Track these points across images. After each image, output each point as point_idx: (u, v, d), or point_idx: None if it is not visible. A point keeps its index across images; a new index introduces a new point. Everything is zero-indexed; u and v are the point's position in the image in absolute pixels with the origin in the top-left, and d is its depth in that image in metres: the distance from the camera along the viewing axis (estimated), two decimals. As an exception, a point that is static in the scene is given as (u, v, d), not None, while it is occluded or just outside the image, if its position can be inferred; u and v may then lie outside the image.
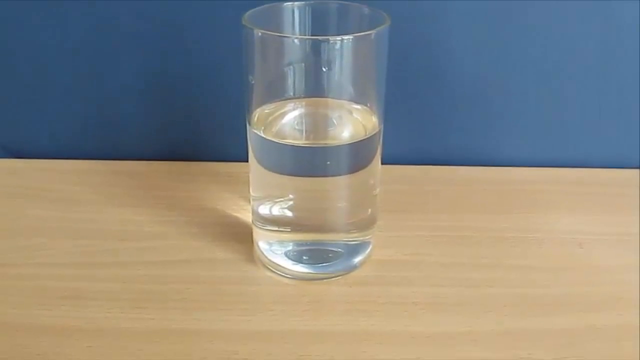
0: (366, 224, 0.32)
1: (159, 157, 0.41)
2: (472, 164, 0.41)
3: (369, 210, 0.32)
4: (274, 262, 0.32)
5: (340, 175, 0.30)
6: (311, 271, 0.31)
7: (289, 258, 0.31)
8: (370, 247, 0.33)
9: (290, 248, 0.32)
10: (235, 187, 0.38)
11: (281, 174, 0.30)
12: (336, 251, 0.32)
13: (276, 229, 0.31)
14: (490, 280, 0.32)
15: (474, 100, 0.40)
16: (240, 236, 0.34)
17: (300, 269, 0.31)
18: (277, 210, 0.31)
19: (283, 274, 0.32)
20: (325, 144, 0.30)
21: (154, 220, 0.35)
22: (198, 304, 0.30)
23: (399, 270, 0.32)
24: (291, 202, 0.31)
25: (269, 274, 0.32)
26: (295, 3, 0.29)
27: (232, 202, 0.37)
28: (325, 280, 0.31)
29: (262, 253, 0.32)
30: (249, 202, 0.33)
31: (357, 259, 0.32)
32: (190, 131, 0.41)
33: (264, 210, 0.31)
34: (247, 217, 0.35)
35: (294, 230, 0.31)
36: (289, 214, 0.31)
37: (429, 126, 0.41)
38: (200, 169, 0.40)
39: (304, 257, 0.31)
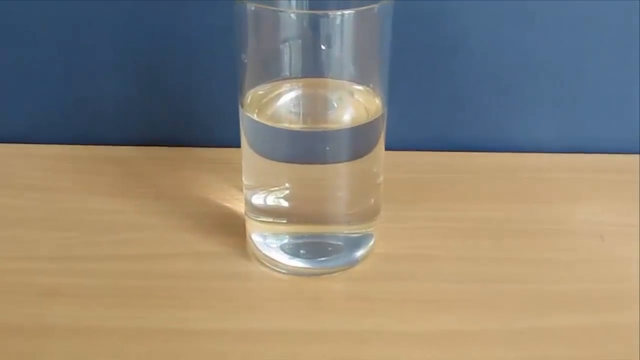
0: (368, 215, 0.32)
1: (143, 142, 0.41)
2: (483, 150, 0.41)
3: (372, 200, 0.32)
4: (268, 257, 0.32)
5: (340, 162, 0.29)
6: (309, 266, 0.31)
7: (285, 252, 0.31)
8: (373, 240, 0.33)
9: (286, 241, 0.32)
10: (227, 175, 0.38)
11: (276, 160, 0.30)
12: (336, 244, 0.32)
13: (271, 220, 0.31)
14: (504, 276, 0.32)
15: (486, 82, 0.40)
16: (231, 228, 0.34)
17: (297, 263, 0.31)
18: (272, 200, 0.31)
19: (278, 269, 0.31)
20: (325, 128, 0.30)
21: (138, 211, 0.35)
22: (186, 302, 0.30)
23: (404, 265, 0.32)
24: (287, 191, 0.30)
25: (263, 269, 0.32)
26: (292, -26, 0.30)
27: (223, 191, 0.37)
28: (324, 276, 0.31)
29: (256, 246, 0.32)
30: (242, 191, 0.33)
31: (359, 253, 0.32)
32: (177, 114, 0.41)
33: (257, 200, 0.31)
34: (239, 207, 0.35)
35: (290, 221, 0.31)
36: (285, 204, 0.31)
37: (436, 109, 0.41)
38: (189, 155, 0.40)
39: (301, 251, 0.31)
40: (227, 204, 0.36)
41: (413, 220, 0.35)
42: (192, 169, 0.39)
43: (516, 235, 0.34)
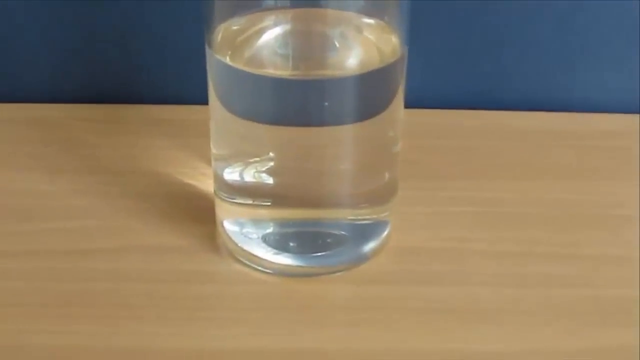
0: (382, 196, 0.32)
1: (77, 99, 0.42)
2: (532, 109, 0.42)
3: (386, 175, 0.32)
4: (246, 251, 0.32)
5: (344, 123, 0.30)
6: (301, 264, 0.31)
7: (269, 245, 0.31)
8: (388, 229, 0.33)
9: (270, 230, 0.32)
10: (189, 142, 0.38)
11: (257, 121, 0.30)
12: (337, 235, 0.32)
13: (250, 202, 0.32)
14: (559, 277, 0.32)
15: (537, 18, 0.40)
16: (196, 214, 0.34)
17: (285, 260, 0.31)
18: (251, 175, 0.31)
19: (260, 269, 0.32)
20: (322, 75, 0.29)
21: (72, 190, 0.36)
22: (138, 312, 0.30)
23: (428, 264, 0.32)
24: (272, 164, 0.31)
25: (239, 267, 0.32)
26: None
27: (184, 164, 0.37)
28: (321, 277, 0.31)
29: (229, 238, 0.32)
30: (210, 163, 0.33)
31: (368, 247, 0.32)
32: (120, 60, 0.41)
33: (231, 175, 0.31)
34: (206, 185, 0.35)
35: (276, 204, 0.31)
36: (269, 180, 0.31)
37: (474, 52, 0.41)
38: (138, 116, 0.41)
39: (291, 244, 0.31)
40: (189, 181, 0.36)
41: (441, 202, 0.35)
42: (144, 135, 0.39)
43: (577, 223, 0.34)
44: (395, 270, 0.32)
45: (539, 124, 0.41)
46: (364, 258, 0.32)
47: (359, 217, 0.32)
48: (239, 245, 0.32)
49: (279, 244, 0.31)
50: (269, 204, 0.31)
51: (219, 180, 0.32)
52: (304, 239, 0.32)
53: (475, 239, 0.33)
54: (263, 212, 0.32)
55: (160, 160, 0.37)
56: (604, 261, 0.32)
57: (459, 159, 0.38)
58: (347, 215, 0.32)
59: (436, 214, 0.35)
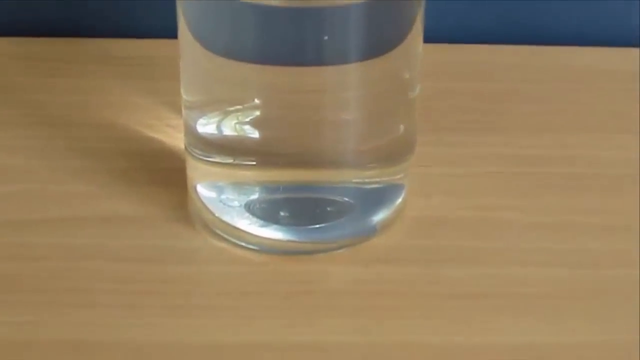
0: (395, 154, 0.32)
1: (8, 31, 0.41)
2: (585, 43, 0.42)
3: (401, 127, 0.32)
4: (225, 223, 0.32)
5: (347, 62, 0.29)
6: (294, 239, 0.31)
7: (254, 215, 0.31)
8: (403, 195, 0.33)
9: (255, 197, 0.31)
10: (154, 86, 0.38)
11: (239, 59, 0.29)
12: (340, 202, 0.31)
13: (230, 161, 0.31)
14: (614, 255, 0.32)
15: None
16: (163, 175, 0.34)
17: (274, 234, 0.31)
18: (232, 127, 0.31)
19: (243, 244, 0.31)
20: (321, 3, 0.29)
21: (6, 147, 0.35)
22: (91, 298, 0.30)
23: (452, 238, 0.32)
24: (257, 113, 0.30)
25: (216, 243, 0.32)
26: None
27: (148, 113, 0.37)
28: (319, 255, 0.31)
29: (205, 206, 0.32)
30: (179, 112, 0.33)
31: (378, 217, 0.32)
32: None
33: (207, 127, 0.31)
34: (176, 140, 0.35)
35: (262, 163, 0.31)
36: (254, 133, 0.30)
37: None
38: (88, 52, 0.40)
39: (282, 214, 0.31)
40: (154, 135, 0.36)
41: (468, 161, 0.35)
42: (93, 76, 0.39)
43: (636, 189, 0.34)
44: (411, 247, 0.32)
45: (594, 61, 0.41)
46: (372, 231, 0.32)
47: (367, 180, 0.32)
48: (217, 215, 0.32)
49: (266, 213, 0.31)
50: (253, 163, 0.31)
51: (191, 133, 0.32)
52: (297, 208, 0.31)
53: (510, 207, 0.33)
54: (246, 174, 0.31)
55: (116, 108, 0.37)
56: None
57: (492, 107, 0.38)
58: (351, 177, 0.31)
59: (462, 177, 0.35)
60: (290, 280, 0.30)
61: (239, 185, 0.32)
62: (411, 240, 0.32)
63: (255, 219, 0.31)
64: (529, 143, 0.36)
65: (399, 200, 0.32)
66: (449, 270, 0.31)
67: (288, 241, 0.31)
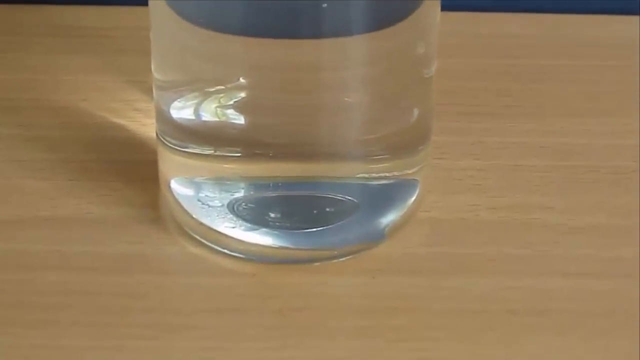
0: (408, 143, 0.32)
1: None
2: (622, 11, 0.43)
3: (415, 111, 0.32)
4: (205, 226, 0.32)
5: (350, 34, 0.29)
6: (286, 245, 0.31)
7: (239, 217, 0.31)
8: (416, 193, 0.33)
9: (240, 195, 0.31)
10: (119, 61, 0.39)
11: (222, 31, 0.29)
12: (342, 202, 0.31)
13: (210, 152, 0.31)
14: None
15: None
16: (130, 169, 0.34)
17: (262, 239, 0.31)
18: (213, 111, 0.31)
19: (225, 251, 0.32)
20: None
21: None
22: (44, 314, 0.30)
23: (474, 244, 0.32)
24: (242, 95, 0.30)
25: (193, 250, 0.32)
26: None
27: (112, 95, 0.37)
28: (317, 264, 0.31)
29: (180, 206, 0.32)
30: (150, 93, 0.33)
31: (387, 220, 0.32)
32: None
33: (182, 111, 0.31)
34: (146, 127, 0.35)
35: (249, 155, 0.31)
36: (239, 119, 0.30)
37: None
38: (40, 22, 0.41)
39: (272, 215, 0.31)
40: (119, 121, 0.36)
41: (494, 152, 0.36)
42: (46, 50, 0.40)
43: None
44: (426, 255, 0.32)
45: (626, 32, 0.42)
46: (380, 236, 0.32)
47: (373, 176, 0.32)
48: (194, 216, 0.32)
49: (253, 215, 0.31)
50: (238, 154, 0.31)
51: (163, 119, 0.32)
52: (291, 208, 0.31)
53: (544, 207, 0.33)
54: (230, 168, 0.31)
55: (71, 89, 0.38)
56: None
57: (522, 87, 0.38)
58: (355, 172, 0.31)
59: (487, 170, 0.35)
60: (281, 294, 0.30)
61: (221, 181, 0.31)
62: (426, 248, 0.32)
63: (240, 222, 0.31)
64: (565, 130, 0.36)
65: (412, 199, 0.32)
66: (471, 283, 0.31)
67: (279, 248, 0.31)
